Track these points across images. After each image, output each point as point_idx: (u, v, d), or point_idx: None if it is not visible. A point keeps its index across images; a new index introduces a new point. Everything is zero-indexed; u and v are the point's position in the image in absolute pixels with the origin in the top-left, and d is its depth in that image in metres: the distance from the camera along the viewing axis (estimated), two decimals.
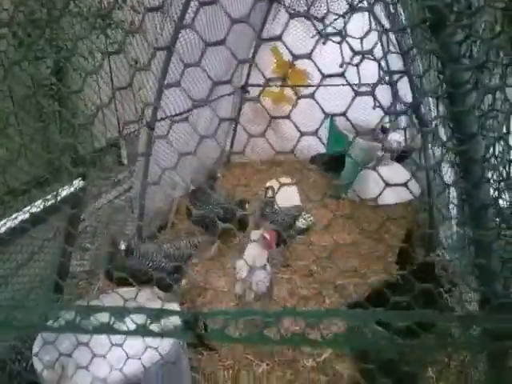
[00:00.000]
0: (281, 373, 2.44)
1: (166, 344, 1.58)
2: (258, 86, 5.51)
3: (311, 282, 3.35)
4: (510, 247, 1.02)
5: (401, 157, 4.85)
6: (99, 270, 3.77)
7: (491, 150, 0.94)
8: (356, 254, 3.73)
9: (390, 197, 4.43)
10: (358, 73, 1.04)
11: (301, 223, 4.13)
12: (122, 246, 2.86)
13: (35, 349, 1.62)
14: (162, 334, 0.94)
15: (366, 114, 4.27)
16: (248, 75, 5.62)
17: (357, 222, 4.29)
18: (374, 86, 0.79)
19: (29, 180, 4.38)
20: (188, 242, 2.99)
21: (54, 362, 1.41)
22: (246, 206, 4.06)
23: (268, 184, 4.62)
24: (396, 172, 4.52)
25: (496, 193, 0.98)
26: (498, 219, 1.01)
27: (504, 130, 0.93)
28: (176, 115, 3.91)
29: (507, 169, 1.01)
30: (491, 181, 1.03)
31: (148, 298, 1.88)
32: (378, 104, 0.90)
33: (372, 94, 0.74)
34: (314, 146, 5.49)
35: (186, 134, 4.37)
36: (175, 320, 1.02)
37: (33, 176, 4.23)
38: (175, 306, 1.88)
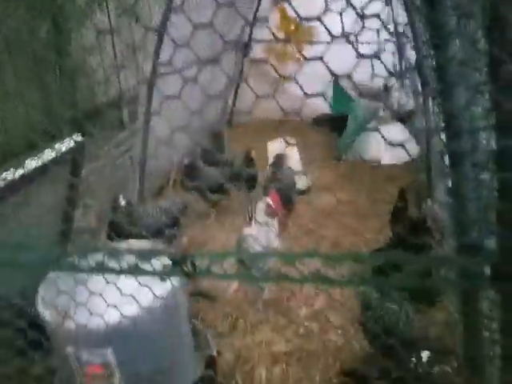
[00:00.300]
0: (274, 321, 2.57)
1: (163, 289, 1.67)
2: (260, 41, 5.40)
3: (309, 239, 3.43)
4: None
5: (404, 117, 4.80)
6: (103, 226, 3.88)
7: (470, 100, 0.96)
8: (354, 213, 3.79)
9: (390, 157, 4.44)
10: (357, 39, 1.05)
11: (300, 184, 4.18)
12: (122, 202, 2.94)
13: (40, 291, 1.72)
14: (152, 273, 1.01)
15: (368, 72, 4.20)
16: (251, 31, 5.49)
17: (356, 183, 4.32)
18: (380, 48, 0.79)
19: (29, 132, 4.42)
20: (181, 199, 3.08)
21: (57, 303, 1.51)
22: (253, 154, 4.02)
23: (270, 143, 4.64)
24: (397, 132, 4.50)
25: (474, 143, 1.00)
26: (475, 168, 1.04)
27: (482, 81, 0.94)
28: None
29: (488, 119, 1.03)
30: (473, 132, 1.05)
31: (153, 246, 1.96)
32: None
33: (375, 56, 0.75)
34: (319, 107, 5.44)
35: (187, 95, 4.33)
36: (166, 261, 1.09)
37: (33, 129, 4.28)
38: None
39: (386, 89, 4.64)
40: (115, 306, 1.47)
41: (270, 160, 4.50)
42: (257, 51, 5.63)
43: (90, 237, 3.65)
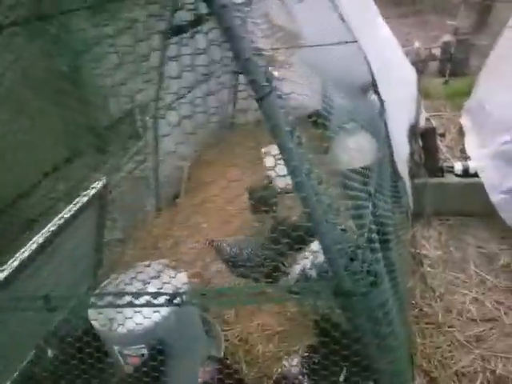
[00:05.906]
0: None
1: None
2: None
3: None
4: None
5: None
6: (129, 239, 4.58)
7: None
8: None
9: (359, 162, 4.81)
10: None
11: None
12: None
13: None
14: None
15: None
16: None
17: None
18: None
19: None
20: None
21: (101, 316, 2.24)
22: None
23: (264, 150, 5.20)
24: (364, 140, 4.85)
25: None
26: None
27: None
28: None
29: None
30: None
31: (160, 269, 2.63)
32: None
33: None
34: (313, 104, 5.87)
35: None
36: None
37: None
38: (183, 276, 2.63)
39: (363, 89, 4.97)
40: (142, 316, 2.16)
41: (268, 163, 5.04)
42: None
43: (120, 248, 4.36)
